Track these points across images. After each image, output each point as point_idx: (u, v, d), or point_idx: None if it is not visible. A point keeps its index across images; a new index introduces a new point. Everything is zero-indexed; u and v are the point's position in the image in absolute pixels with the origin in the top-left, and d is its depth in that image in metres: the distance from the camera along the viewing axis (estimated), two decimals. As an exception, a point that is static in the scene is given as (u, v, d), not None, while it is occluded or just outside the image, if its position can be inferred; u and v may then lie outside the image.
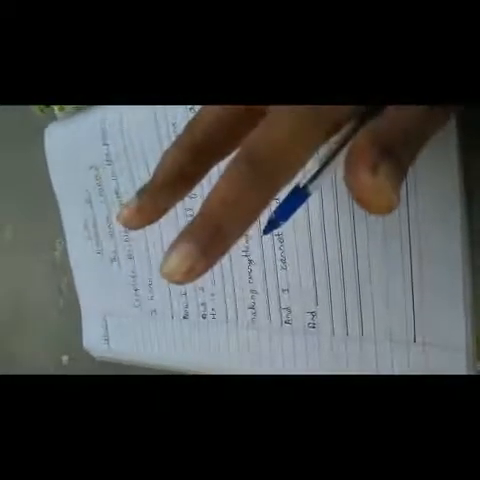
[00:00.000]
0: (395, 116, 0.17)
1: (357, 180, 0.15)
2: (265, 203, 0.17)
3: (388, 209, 0.15)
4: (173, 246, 0.16)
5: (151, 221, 0.21)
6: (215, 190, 0.17)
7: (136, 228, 0.21)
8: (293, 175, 0.17)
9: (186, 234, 0.16)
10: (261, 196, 0.17)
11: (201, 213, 0.16)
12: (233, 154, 0.17)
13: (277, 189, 0.17)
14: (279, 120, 0.17)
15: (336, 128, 0.17)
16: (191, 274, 0.16)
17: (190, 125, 0.21)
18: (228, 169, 0.17)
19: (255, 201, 0.17)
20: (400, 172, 0.15)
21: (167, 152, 0.21)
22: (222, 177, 0.17)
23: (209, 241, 0.16)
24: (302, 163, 0.17)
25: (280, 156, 0.16)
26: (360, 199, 0.15)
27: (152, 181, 0.21)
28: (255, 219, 0.17)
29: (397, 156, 0.15)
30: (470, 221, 0.25)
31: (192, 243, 0.16)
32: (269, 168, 0.16)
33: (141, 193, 0.21)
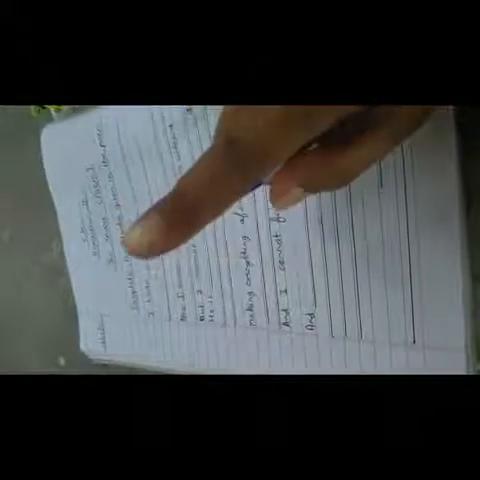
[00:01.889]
0: (314, 156, 0.19)
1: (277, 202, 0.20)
2: (241, 189, 0.17)
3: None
4: (141, 218, 0.16)
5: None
6: (193, 169, 0.16)
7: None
8: (272, 165, 0.18)
9: (156, 208, 0.16)
10: (238, 182, 0.17)
11: (175, 190, 0.16)
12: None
13: (255, 176, 0.17)
14: (263, 109, 0.16)
15: (321, 124, 0.17)
16: (153, 248, 0.16)
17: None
18: (208, 151, 0.17)
19: (231, 186, 0.17)
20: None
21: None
22: (201, 157, 0.17)
23: (178, 219, 0.16)
24: (283, 153, 0.17)
25: (261, 143, 0.16)
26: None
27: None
28: (230, 204, 0.17)
29: (310, 188, 0.20)
30: (469, 223, 0.25)
31: (159, 217, 0.16)
32: (249, 154, 0.16)
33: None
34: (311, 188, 0.20)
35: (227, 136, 0.17)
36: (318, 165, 0.20)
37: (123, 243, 0.16)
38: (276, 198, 0.20)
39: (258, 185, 0.19)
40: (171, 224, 0.16)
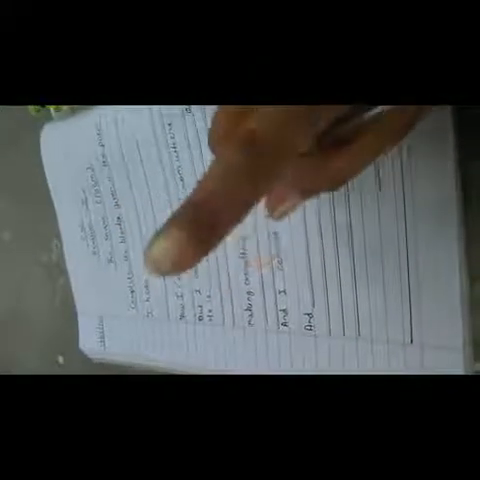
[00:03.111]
0: (311, 162, 0.20)
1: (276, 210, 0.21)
2: (260, 195, 0.16)
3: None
4: (161, 232, 0.15)
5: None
6: (209, 178, 0.16)
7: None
8: (291, 157, 0.17)
9: (176, 221, 0.15)
10: (256, 188, 0.16)
11: (193, 201, 0.15)
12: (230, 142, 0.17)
13: (272, 181, 0.17)
14: (275, 115, 0.16)
15: (324, 118, 0.17)
16: (178, 264, 0.15)
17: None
18: (223, 157, 0.16)
19: (250, 193, 0.16)
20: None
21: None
22: (216, 165, 0.16)
23: (201, 231, 0.15)
24: (299, 145, 0.17)
25: (277, 148, 0.16)
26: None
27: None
28: (249, 210, 0.16)
29: (309, 194, 0.21)
30: (467, 223, 0.25)
31: (183, 231, 0.15)
32: (266, 160, 0.16)
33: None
34: (307, 192, 0.20)
35: (245, 144, 0.16)
36: (313, 168, 0.20)
37: (147, 262, 0.15)
38: (274, 206, 0.20)
39: None
40: (195, 238, 0.15)
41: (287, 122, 0.16)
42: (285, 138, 0.16)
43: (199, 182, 0.16)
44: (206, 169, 0.16)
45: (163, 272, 0.15)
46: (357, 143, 0.19)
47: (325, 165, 0.19)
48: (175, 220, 0.15)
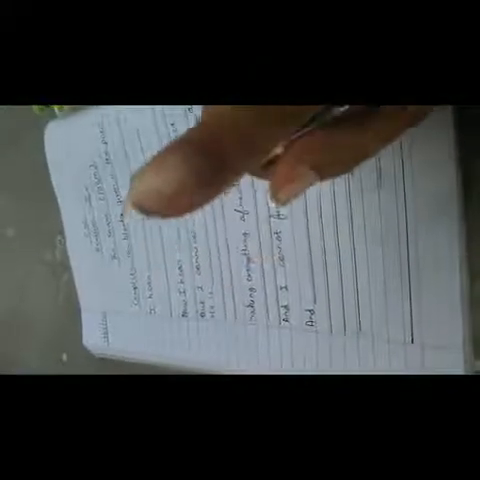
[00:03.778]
0: (323, 136, 0.17)
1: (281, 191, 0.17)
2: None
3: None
4: (155, 160, 0.12)
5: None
6: (217, 107, 0.14)
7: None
8: (251, 165, 0.15)
9: (176, 148, 0.12)
10: (216, 185, 0.14)
11: (199, 125, 0.13)
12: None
13: (236, 176, 0.14)
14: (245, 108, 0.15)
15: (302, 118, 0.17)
16: (172, 203, 0.12)
17: None
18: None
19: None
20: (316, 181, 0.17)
21: None
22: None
23: (206, 164, 0.12)
24: (261, 152, 0.16)
25: (238, 146, 0.14)
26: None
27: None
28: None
29: (321, 172, 0.17)
30: (467, 220, 0.25)
31: (183, 161, 0.12)
32: (224, 159, 0.13)
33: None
34: (323, 171, 0.17)
35: (203, 146, 0.14)
36: (330, 145, 0.17)
37: (131, 195, 0.12)
38: (281, 186, 0.17)
39: None
40: (198, 171, 0.12)
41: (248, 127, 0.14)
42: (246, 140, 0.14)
43: (206, 107, 0.13)
44: None
45: (150, 211, 0.12)
46: (378, 119, 0.18)
47: (344, 143, 0.18)
48: (174, 146, 0.12)
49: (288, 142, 0.17)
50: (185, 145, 0.12)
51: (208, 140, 0.13)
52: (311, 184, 0.17)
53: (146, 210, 0.12)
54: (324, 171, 0.17)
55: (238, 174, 0.14)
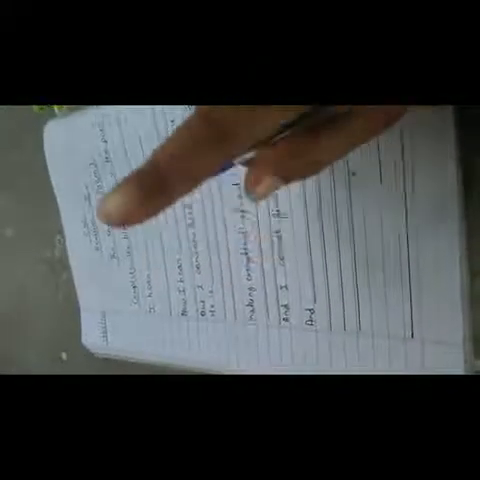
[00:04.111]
0: (292, 143, 0.20)
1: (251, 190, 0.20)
2: (214, 165, 0.17)
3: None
4: (117, 187, 0.16)
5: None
6: (168, 141, 0.16)
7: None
8: (248, 143, 0.18)
9: (132, 178, 0.16)
10: (211, 157, 0.17)
11: (150, 161, 0.16)
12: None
13: (229, 153, 0.17)
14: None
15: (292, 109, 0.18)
16: (128, 218, 0.16)
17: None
18: (185, 124, 0.17)
19: (204, 161, 0.17)
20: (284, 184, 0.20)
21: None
22: (177, 130, 0.17)
23: (153, 190, 0.16)
24: (258, 134, 0.18)
25: (238, 121, 0.17)
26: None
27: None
28: (202, 179, 0.17)
29: (286, 178, 0.20)
30: (467, 218, 0.26)
31: (136, 188, 0.16)
32: (225, 131, 0.17)
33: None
34: (284, 177, 0.20)
35: (207, 116, 0.17)
36: (290, 154, 0.20)
37: (99, 212, 0.16)
38: (250, 187, 0.20)
39: (229, 166, 0.19)
40: (146, 196, 0.16)
41: (246, 113, 0.17)
42: (244, 121, 0.17)
43: (162, 144, 0.16)
44: None
45: (112, 224, 0.16)
46: (336, 131, 0.19)
47: (303, 153, 0.20)
48: (132, 177, 0.16)
49: (263, 147, 0.19)
50: (139, 176, 0.16)
51: (210, 109, 0.16)
52: (276, 188, 0.20)
53: (111, 224, 0.16)
54: (289, 177, 0.20)
55: (179, 196, 0.16)
